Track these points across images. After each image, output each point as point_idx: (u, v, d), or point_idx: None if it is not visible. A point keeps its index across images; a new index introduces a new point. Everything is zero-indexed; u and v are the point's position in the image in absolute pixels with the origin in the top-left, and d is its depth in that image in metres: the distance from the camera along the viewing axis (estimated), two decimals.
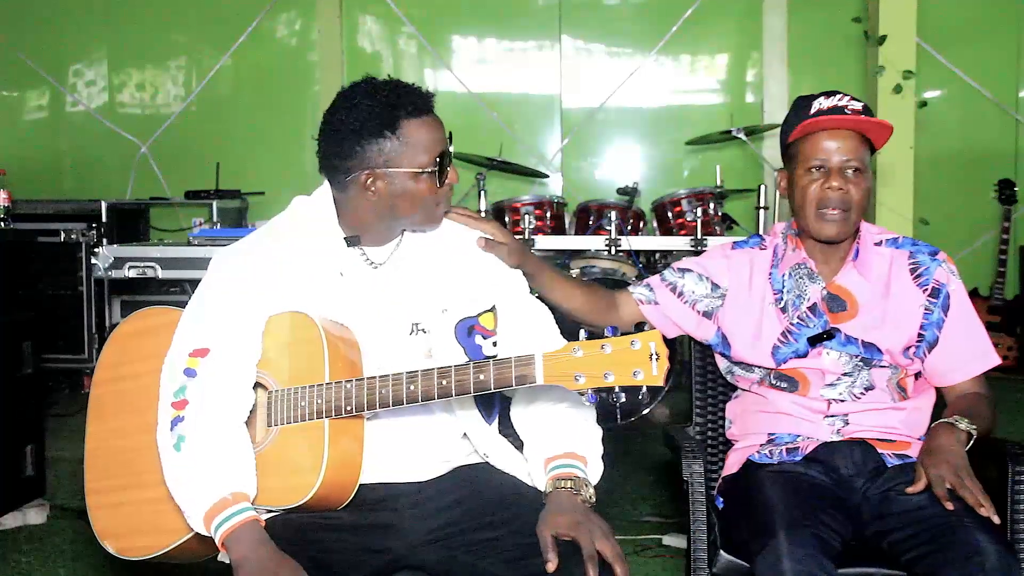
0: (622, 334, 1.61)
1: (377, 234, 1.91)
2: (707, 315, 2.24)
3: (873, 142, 2.12)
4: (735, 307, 2.22)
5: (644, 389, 1.63)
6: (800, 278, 2.19)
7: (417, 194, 1.84)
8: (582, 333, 1.64)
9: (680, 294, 2.25)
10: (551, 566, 1.62)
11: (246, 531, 1.67)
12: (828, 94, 2.13)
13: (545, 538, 1.66)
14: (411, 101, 1.82)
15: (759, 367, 2.19)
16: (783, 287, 2.20)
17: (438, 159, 1.83)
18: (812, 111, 2.11)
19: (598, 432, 1.89)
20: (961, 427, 1.98)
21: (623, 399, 1.60)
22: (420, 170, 1.82)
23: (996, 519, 1.86)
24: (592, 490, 1.79)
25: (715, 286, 2.24)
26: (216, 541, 1.69)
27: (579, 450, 1.83)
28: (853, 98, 2.13)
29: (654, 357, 1.56)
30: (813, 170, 2.11)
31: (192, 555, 1.89)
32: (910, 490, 1.94)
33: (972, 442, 1.98)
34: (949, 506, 1.87)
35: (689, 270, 2.27)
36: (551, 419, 1.87)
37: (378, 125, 1.79)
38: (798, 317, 2.16)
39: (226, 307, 1.82)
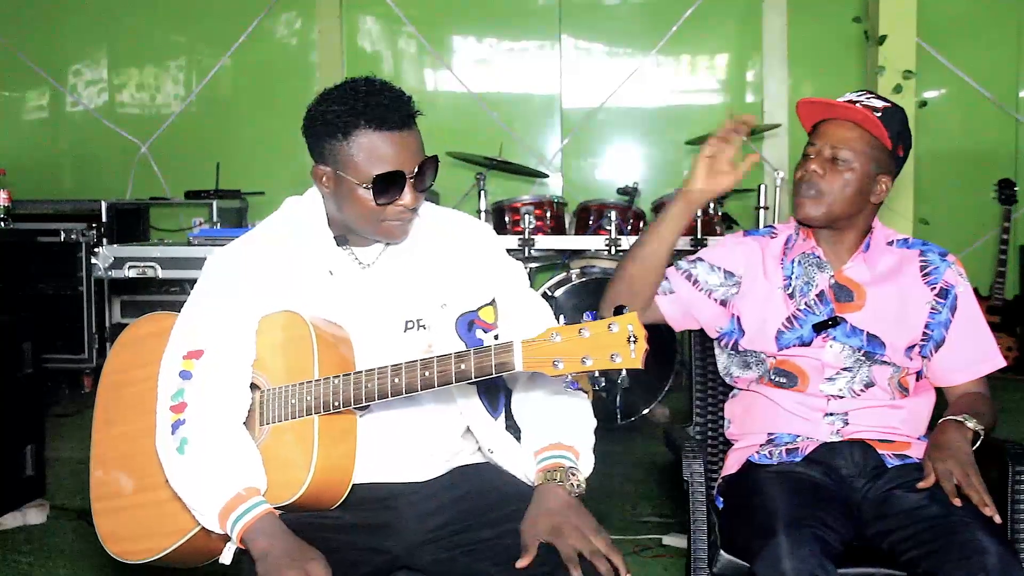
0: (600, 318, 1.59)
1: (357, 235, 1.88)
2: (723, 303, 2.24)
3: (879, 139, 2.12)
4: (751, 292, 2.22)
5: (624, 373, 1.60)
6: (809, 266, 2.20)
7: (359, 205, 1.77)
8: (561, 319, 1.62)
9: (696, 282, 2.24)
10: (521, 563, 1.64)
11: (265, 523, 1.67)
12: (861, 92, 2.17)
13: (526, 542, 1.67)
14: (378, 112, 1.73)
15: (761, 354, 2.18)
16: (792, 273, 2.21)
17: (381, 177, 1.74)
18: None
19: (591, 423, 1.87)
20: (969, 426, 1.99)
21: (603, 383, 1.58)
22: (360, 183, 1.75)
23: (998, 519, 1.86)
24: (581, 478, 1.77)
25: (729, 274, 2.24)
26: (233, 537, 1.68)
27: (566, 440, 1.81)
28: (880, 97, 2.15)
29: (632, 340, 1.54)
30: (808, 155, 2.16)
31: (192, 558, 1.88)
32: (921, 485, 1.93)
33: (979, 442, 1.98)
34: (957, 502, 1.86)
35: (701, 259, 2.27)
36: (543, 411, 1.86)
37: (334, 127, 1.75)
38: (805, 304, 2.17)
39: (218, 308, 1.82)
